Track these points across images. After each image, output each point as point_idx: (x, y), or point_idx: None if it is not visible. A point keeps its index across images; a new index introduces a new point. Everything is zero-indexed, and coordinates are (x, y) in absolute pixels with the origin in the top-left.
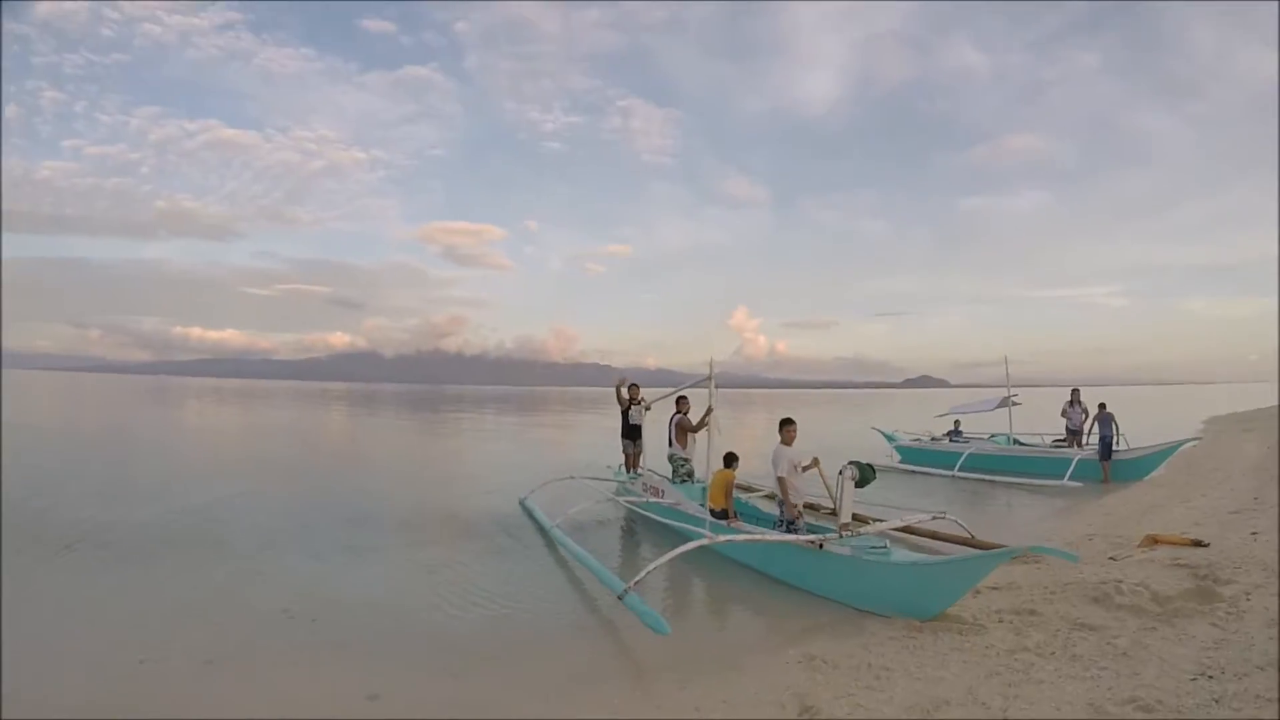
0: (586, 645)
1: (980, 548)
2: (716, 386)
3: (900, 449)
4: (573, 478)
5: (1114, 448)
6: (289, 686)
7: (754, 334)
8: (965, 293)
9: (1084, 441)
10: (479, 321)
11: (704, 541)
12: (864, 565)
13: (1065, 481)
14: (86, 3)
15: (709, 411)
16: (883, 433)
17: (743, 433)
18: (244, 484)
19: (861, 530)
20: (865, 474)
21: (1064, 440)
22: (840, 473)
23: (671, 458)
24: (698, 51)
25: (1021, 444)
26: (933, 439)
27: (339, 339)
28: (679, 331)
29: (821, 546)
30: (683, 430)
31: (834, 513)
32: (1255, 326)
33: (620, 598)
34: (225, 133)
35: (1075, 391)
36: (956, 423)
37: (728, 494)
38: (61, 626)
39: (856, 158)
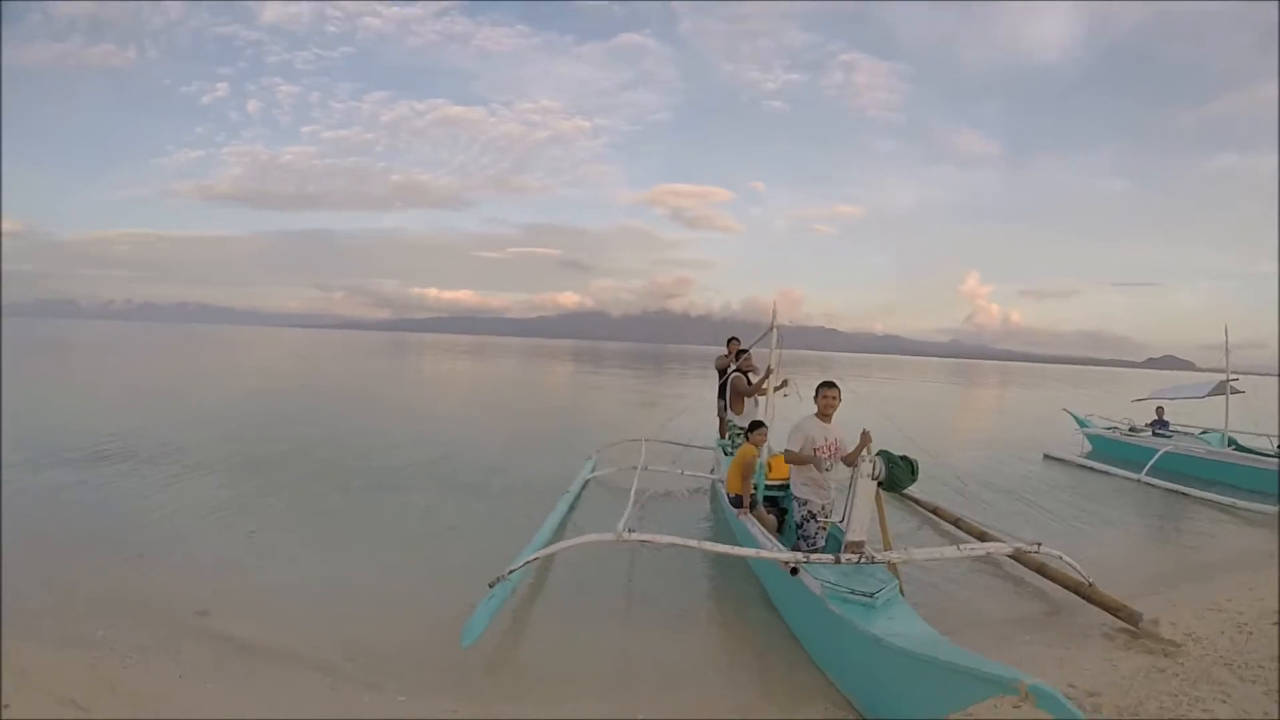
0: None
1: (1101, 604)
2: (784, 346)
3: (1092, 438)
4: (646, 440)
5: None
6: None
7: (986, 302)
8: (1213, 264)
9: None
10: (705, 283)
11: (606, 537)
12: (828, 613)
13: None
14: (309, 3)
15: (769, 373)
16: (1074, 416)
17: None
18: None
19: (879, 556)
20: (897, 472)
21: None
22: (855, 467)
23: (729, 425)
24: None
25: (1239, 446)
26: (1131, 429)
27: (568, 299)
28: (908, 296)
29: (795, 571)
30: (738, 393)
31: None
32: None
33: (490, 584)
34: (452, 110)
35: None
36: (1160, 410)
37: (745, 475)
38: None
39: (1092, 109)
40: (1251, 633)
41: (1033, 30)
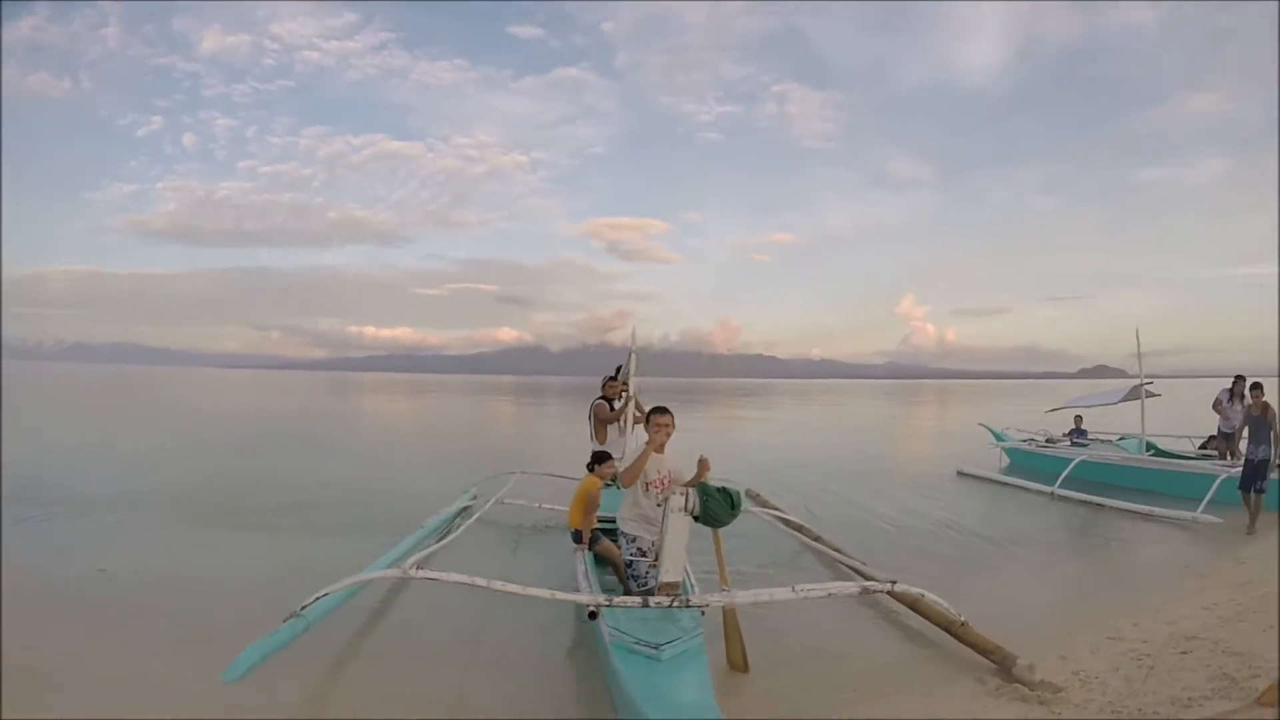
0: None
1: (973, 645)
2: (639, 372)
3: (1009, 451)
4: (522, 472)
5: (1270, 472)
6: None
7: (921, 322)
8: (1140, 274)
9: (1239, 450)
10: (644, 315)
11: (391, 573)
12: (609, 664)
13: (1197, 514)
14: (248, 37)
15: (627, 400)
16: (991, 430)
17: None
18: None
19: (696, 600)
20: (713, 506)
21: (1212, 446)
22: (663, 502)
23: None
24: (851, 27)
25: (1158, 451)
26: (1048, 440)
27: (507, 334)
28: (845, 321)
29: (593, 615)
30: (600, 420)
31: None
32: None
33: (285, 619)
34: (390, 145)
35: (1239, 380)
36: (1078, 419)
37: (587, 509)
38: None
39: (1022, 128)
40: (1152, 668)
41: (962, 53)
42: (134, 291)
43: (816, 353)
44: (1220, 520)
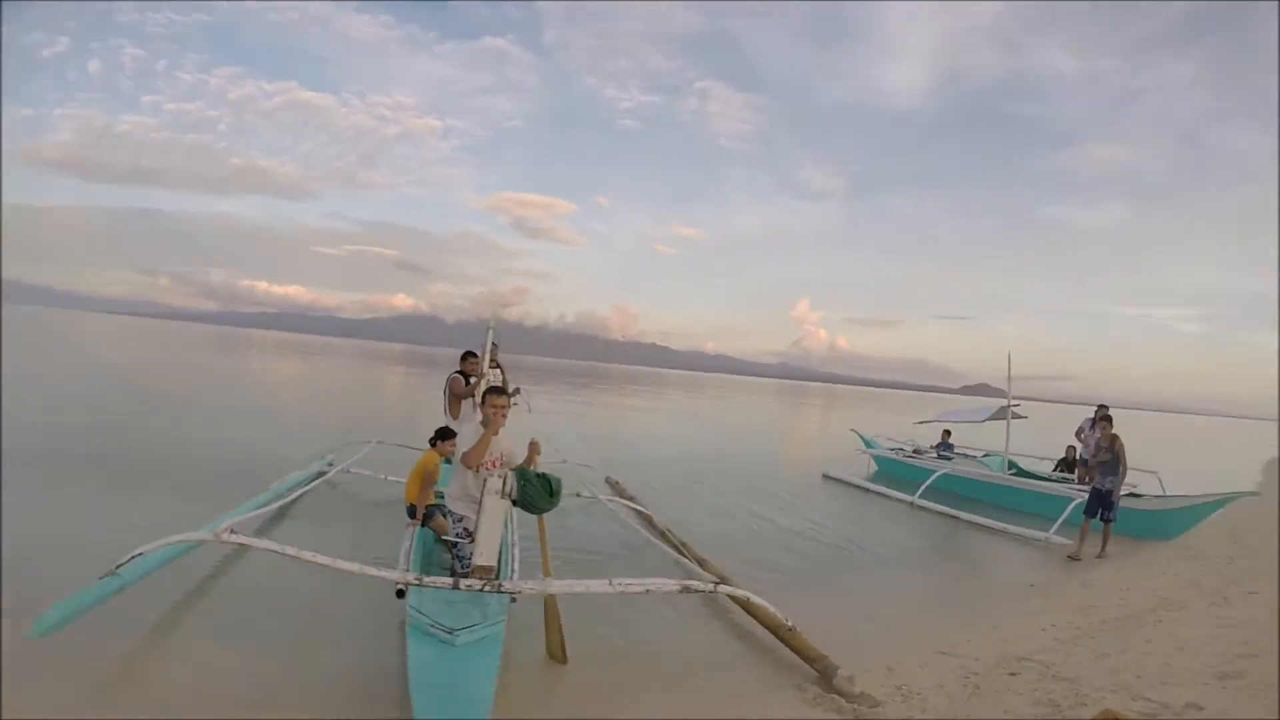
0: None
1: (798, 651)
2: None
3: (877, 458)
4: (379, 442)
5: (1117, 500)
6: None
7: (815, 327)
8: (1035, 303)
9: (1094, 477)
10: (543, 294)
11: (201, 535)
12: (407, 645)
13: (1050, 535)
14: None
15: (481, 377)
16: (861, 436)
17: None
18: None
19: (508, 585)
20: (530, 491)
21: (1069, 470)
22: (484, 484)
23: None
24: (783, 35)
25: (1020, 470)
26: (915, 451)
27: (402, 301)
28: (741, 319)
29: (401, 593)
30: (454, 395)
31: None
32: None
33: (101, 576)
34: (303, 95)
35: (1102, 409)
36: (946, 433)
37: (425, 484)
38: None
39: (938, 154)
40: (977, 688)
41: (888, 74)
42: (19, 225)
43: (711, 347)
44: (1071, 542)
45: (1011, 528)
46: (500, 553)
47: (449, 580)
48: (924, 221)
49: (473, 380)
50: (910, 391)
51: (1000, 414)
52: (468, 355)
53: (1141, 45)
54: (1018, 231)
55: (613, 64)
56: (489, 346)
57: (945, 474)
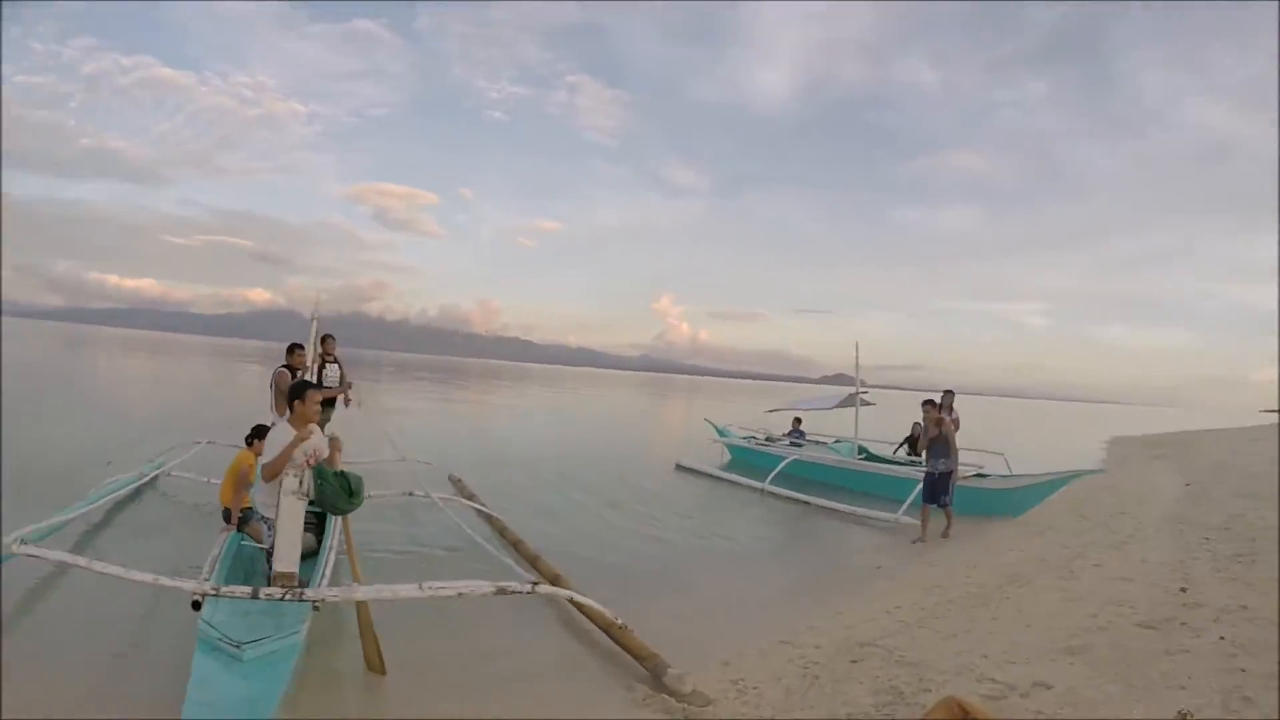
0: None
1: (629, 649)
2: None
3: (730, 447)
4: (210, 442)
5: (953, 484)
6: None
7: (678, 320)
8: (891, 298)
9: (925, 459)
10: (404, 287)
11: None
12: (196, 655)
13: (899, 516)
14: None
15: (304, 372)
16: (714, 425)
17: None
18: None
19: (311, 594)
20: (328, 491)
21: (914, 448)
22: (280, 484)
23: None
24: (655, 32)
25: (870, 455)
26: (768, 439)
27: (259, 295)
28: (604, 312)
29: (197, 605)
30: (280, 390)
31: None
32: (1172, 356)
33: None
34: (161, 71)
35: (948, 395)
36: (797, 420)
37: (238, 486)
38: None
39: (801, 157)
40: (817, 678)
41: (755, 77)
42: None
43: (573, 340)
44: (919, 522)
45: (860, 510)
46: (319, 557)
47: (248, 590)
48: (786, 220)
49: (299, 374)
50: (772, 382)
51: (849, 401)
52: (294, 348)
53: (1001, 63)
54: (875, 232)
55: (484, 52)
56: (315, 339)
57: (796, 460)
